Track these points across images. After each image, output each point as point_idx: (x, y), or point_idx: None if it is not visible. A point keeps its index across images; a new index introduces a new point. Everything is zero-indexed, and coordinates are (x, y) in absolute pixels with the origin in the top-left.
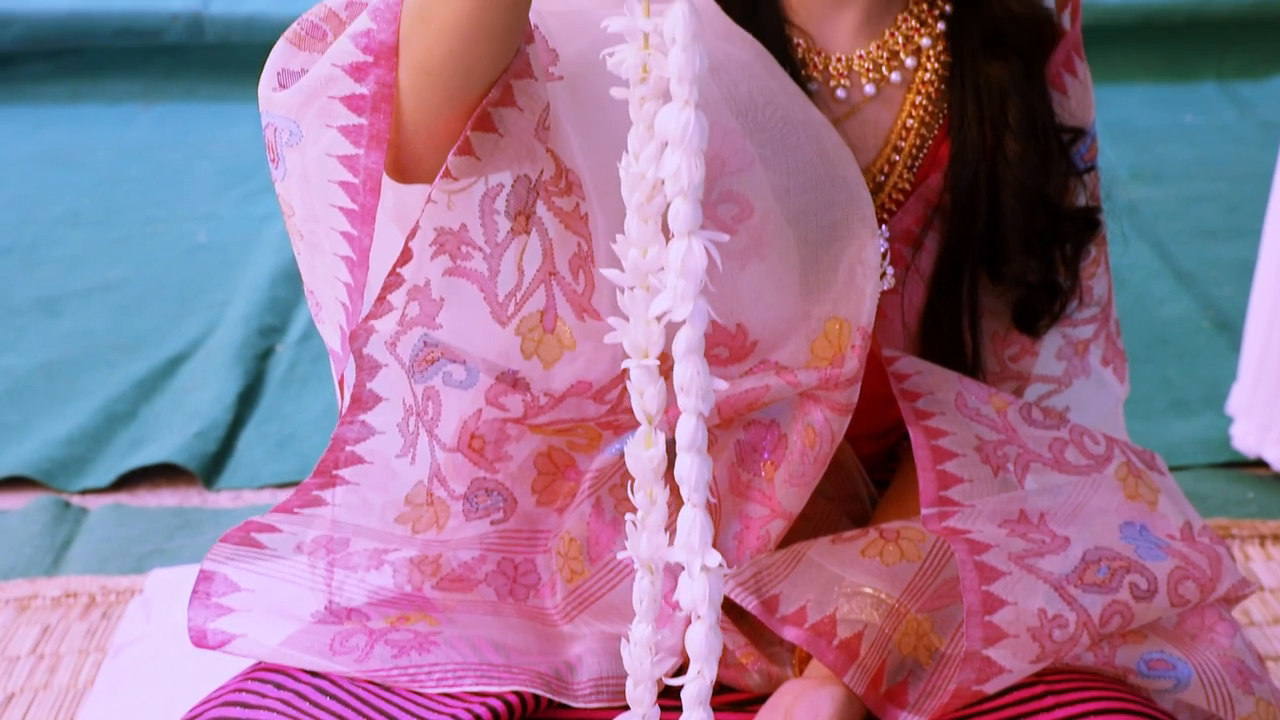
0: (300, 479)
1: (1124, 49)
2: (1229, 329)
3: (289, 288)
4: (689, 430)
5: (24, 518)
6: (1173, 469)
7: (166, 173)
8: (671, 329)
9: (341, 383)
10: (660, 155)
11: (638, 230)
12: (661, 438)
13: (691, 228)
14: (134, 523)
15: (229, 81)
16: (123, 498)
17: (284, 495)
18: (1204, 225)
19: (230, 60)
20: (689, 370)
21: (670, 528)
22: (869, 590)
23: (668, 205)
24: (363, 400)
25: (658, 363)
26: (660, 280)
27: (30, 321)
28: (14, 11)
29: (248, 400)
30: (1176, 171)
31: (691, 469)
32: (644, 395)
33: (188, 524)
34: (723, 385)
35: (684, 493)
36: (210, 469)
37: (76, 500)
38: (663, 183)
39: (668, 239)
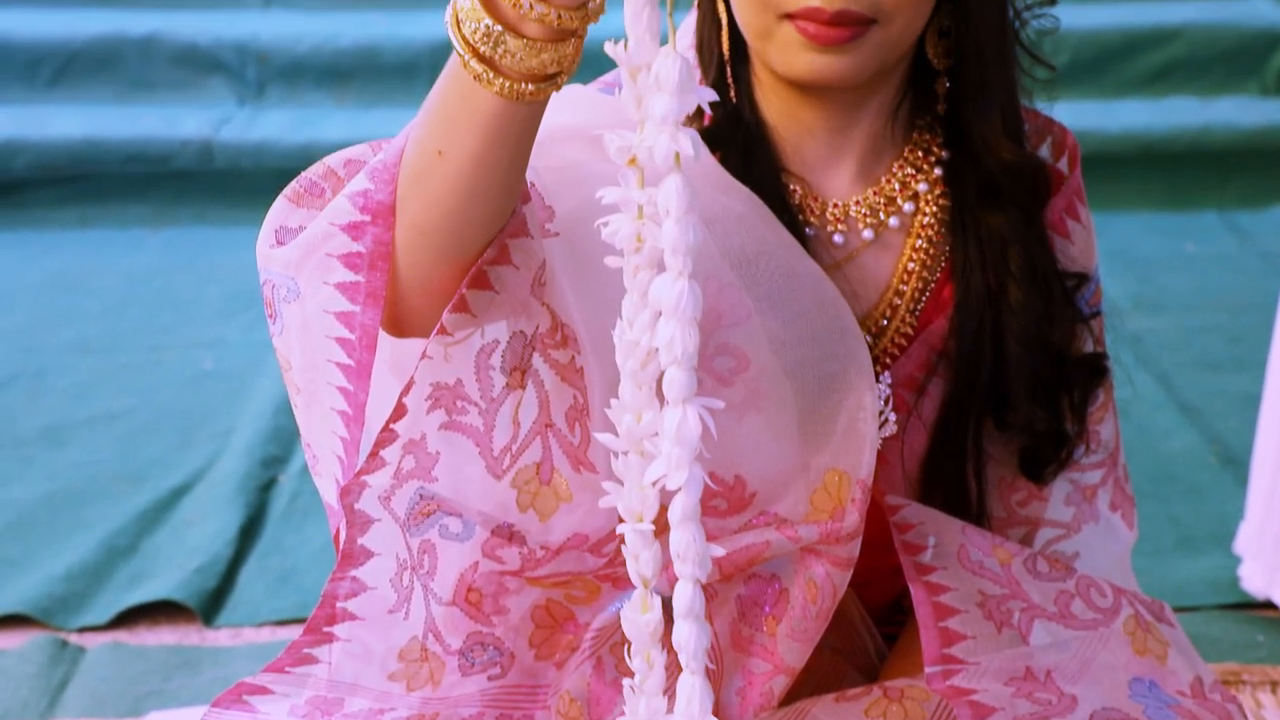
0: (300, 615)
1: (1124, 178)
2: (1235, 464)
3: (292, 417)
4: (686, 597)
5: (20, 658)
6: (1181, 610)
7: (174, 298)
8: (667, 492)
9: (337, 536)
10: (654, 324)
11: (632, 396)
12: (658, 601)
13: (686, 396)
14: (132, 662)
15: (238, 206)
16: (121, 635)
17: (284, 633)
18: (1208, 357)
19: (239, 185)
20: (685, 537)
21: (669, 692)
22: None
23: (662, 372)
24: (354, 556)
25: (652, 527)
26: (655, 445)
27: (35, 452)
28: (25, 139)
29: (249, 533)
30: (1178, 301)
31: (690, 636)
32: (639, 560)
33: (186, 663)
34: (719, 552)
35: (682, 660)
36: (210, 605)
37: (74, 638)
38: (657, 350)
39: (662, 404)
